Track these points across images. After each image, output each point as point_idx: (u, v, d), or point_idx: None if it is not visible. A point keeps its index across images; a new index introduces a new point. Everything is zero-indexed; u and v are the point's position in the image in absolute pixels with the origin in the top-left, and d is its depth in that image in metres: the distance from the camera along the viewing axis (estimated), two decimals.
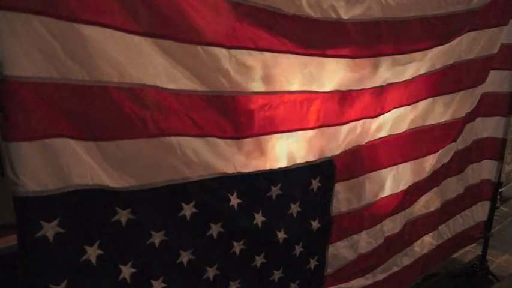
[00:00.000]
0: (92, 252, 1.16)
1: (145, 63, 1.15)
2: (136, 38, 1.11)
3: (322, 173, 1.72)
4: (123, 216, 1.21)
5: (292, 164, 1.61)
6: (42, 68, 0.99)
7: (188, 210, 1.33)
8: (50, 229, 1.06)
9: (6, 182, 1.03)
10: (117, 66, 1.09)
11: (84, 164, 1.10)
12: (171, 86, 1.21)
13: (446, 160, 2.32)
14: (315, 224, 1.76)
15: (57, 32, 0.99)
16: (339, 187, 1.81)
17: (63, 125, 1.04)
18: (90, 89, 1.07)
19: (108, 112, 1.11)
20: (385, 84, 1.80)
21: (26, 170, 1.00)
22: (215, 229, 1.42)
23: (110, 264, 1.21)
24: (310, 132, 1.62)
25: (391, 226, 2.14)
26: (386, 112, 1.89)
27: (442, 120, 2.19)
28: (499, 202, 3.36)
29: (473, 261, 3.03)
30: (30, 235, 1.04)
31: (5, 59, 0.93)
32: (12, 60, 0.94)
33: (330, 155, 1.73)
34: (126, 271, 1.24)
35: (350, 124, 1.75)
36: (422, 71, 1.95)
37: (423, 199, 2.33)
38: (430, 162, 2.20)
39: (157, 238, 1.29)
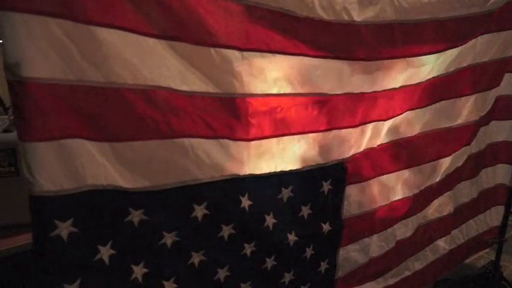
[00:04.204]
0: (105, 252, 1.16)
1: (159, 65, 1.16)
2: (151, 41, 1.12)
3: (333, 175, 1.71)
4: (136, 216, 1.21)
5: (303, 166, 1.61)
6: (59, 69, 1.00)
7: (200, 211, 1.34)
8: (64, 229, 1.06)
9: (22, 182, 1.04)
10: (131, 68, 1.10)
11: (99, 165, 1.11)
12: (184, 87, 1.21)
13: (460, 164, 2.29)
14: (326, 227, 1.75)
15: (73, 35, 1.00)
16: (350, 190, 1.80)
17: (78, 125, 1.05)
18: (105, 91, 1.08)
19: (122, 113, 1.12)
20: (397, 86, 1.79)
21: (41, 170, 1.01)
22: (226, 231, 1.42)
23: (123, 264, 1.22)
24: (322, 134, 1.62)
25: (403, 230, 2.12)
26: (399, 115, 1.88)
27: (456, 123, 2.16)
28: None
29: (487, 267, 2.98)
30: (44, 234, 1.05)
31: (22, 61, 0.94)
32: (30, 62, 0.95)
33: (341, 158, 1.72)
34: (138, 271, 1.24)
35: (362, 127, 1.74)
36: (435, 74, 1.93)
37: (436, 203, 2.30)
38: (443, 166, 2.18)
39: (169, 239, 1.29)
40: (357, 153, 1.77)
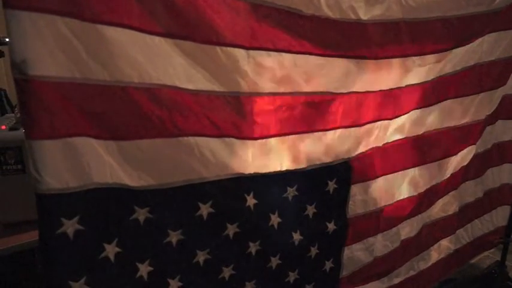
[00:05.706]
0: (111, 250, 1.17)
1: (165, 63, 1.15)
2: (157, 39, 1.12)
3: (338, 174, 1.71)
4: (141, 214, 1.21)
5: (308, 165, 1.60)
6: (65, 68, 1.00)
7: (205, 210, 1.34)
8: (70, 226, 1.07)
9: (28, 179, 1.05)
10: (137, 67, 1.10)
11: (104, 163, 1.11)
12: (190, 86, 1.21)
13: (465, 163, 2.27)
14: (331, 226, 1.75)
15: (80, 33, 1.00)
16: (355, 189, 1.79)
17: (84, 124, 1.05)
18: (111, 89, 1.08)
19: (128, 112, 1.12)
20: (404, 85, 1.78)
21: (48, 167, 1.01)
22: (231, 229, 1.42)
23: (128, 262, 1.22)
24: (327, 133, 1.61)
25: (408, 229, 2.11)
26: (405, 114, 1.87)
27: (462, 122, 2.15)
28: None
29: (492, 267, 2.96)
30: (50, 232, 1.05)
31: (29, 59, 0.94)
32: (37, 60, 0.95)
33: (346, 157, 1.71)
34: (144, 269, 1.25)
35: (367, 126, 1.73)
36: (442, 73, 1.92)
37: (441, 202, 2.29)
38: (448, 165, 2.17)
39: (174, 237, 1.29)
40: (363, 152, 1.77)
